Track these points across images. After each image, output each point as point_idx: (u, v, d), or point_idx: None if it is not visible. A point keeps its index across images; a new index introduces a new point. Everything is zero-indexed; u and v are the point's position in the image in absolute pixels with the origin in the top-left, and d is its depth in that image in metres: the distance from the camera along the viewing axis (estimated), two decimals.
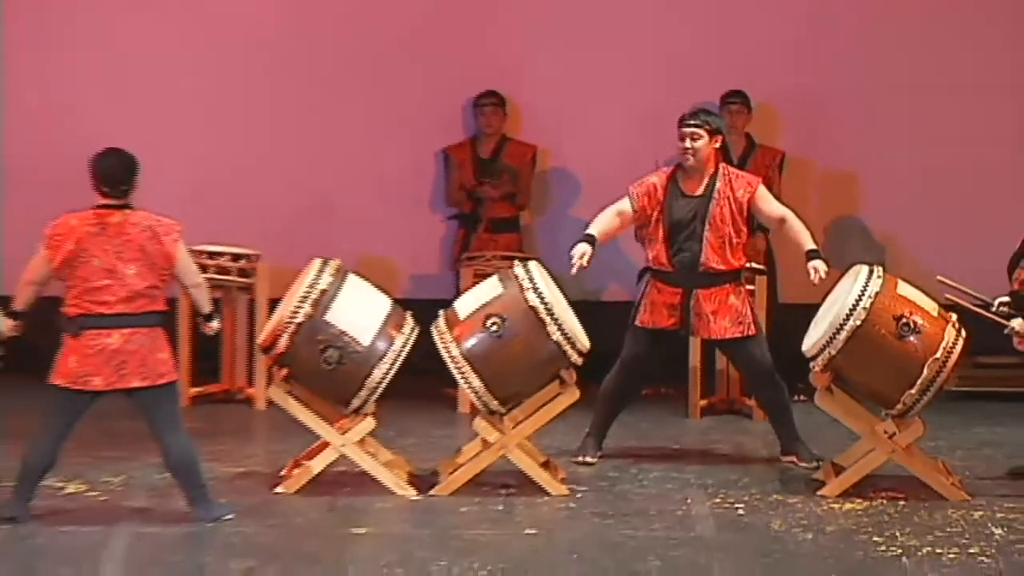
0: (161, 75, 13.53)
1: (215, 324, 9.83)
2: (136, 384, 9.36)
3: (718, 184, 10.75)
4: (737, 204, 10.76)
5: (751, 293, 11.47)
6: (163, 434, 9.44)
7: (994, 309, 10.11)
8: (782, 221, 10.88)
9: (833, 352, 10.02)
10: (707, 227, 10.73)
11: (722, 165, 10.86)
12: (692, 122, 10.76)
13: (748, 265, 11.42)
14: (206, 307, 9.77)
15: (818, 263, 10.56)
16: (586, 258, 10.60)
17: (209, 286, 12.07)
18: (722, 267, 10.78)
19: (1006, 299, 10.12)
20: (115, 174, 9.42)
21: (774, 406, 10.91)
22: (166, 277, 9.50)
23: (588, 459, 10.85)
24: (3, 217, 13.82)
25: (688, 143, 10.72)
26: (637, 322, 10.88)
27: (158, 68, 13.55)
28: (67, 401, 9.43)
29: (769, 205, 10.86)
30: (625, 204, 10.84)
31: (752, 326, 10.90)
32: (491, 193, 13.08)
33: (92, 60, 13.60)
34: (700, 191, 10.78)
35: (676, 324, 10.83)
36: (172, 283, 9.60)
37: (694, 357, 12.16)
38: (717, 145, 10.83)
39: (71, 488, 10.07)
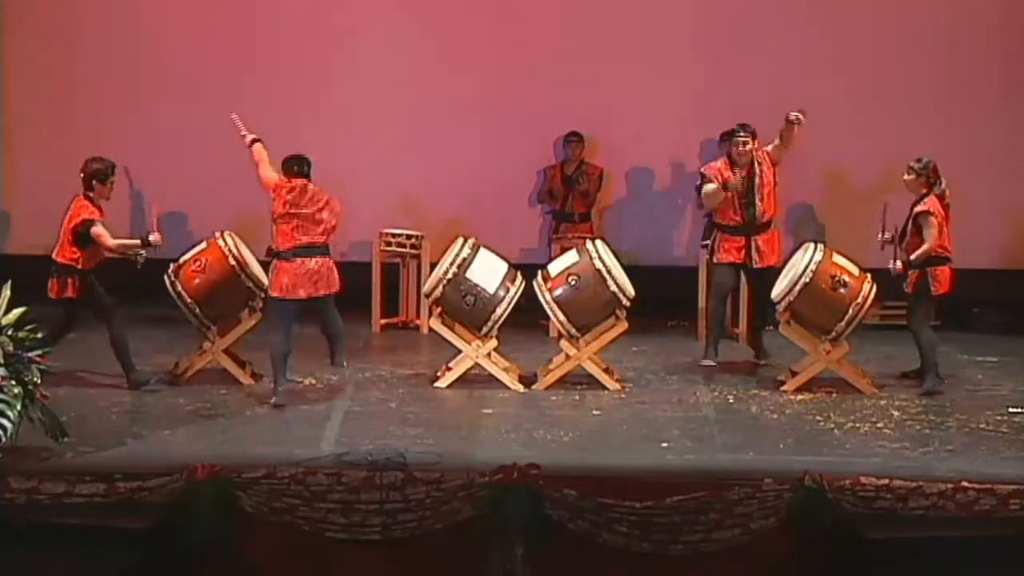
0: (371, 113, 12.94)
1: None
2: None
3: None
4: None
5: None
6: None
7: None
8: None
9: (791, 299, 9.99)
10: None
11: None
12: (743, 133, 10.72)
13: None
14: None
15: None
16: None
17: (393, 255, 12.32)
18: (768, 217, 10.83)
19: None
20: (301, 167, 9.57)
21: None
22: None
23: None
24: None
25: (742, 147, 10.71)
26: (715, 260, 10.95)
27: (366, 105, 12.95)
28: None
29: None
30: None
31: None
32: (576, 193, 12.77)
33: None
34: (746, 173, 10.74)
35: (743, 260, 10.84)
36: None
37: (701, 299, 11.85)
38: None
39: (307, 381, 10.11)
